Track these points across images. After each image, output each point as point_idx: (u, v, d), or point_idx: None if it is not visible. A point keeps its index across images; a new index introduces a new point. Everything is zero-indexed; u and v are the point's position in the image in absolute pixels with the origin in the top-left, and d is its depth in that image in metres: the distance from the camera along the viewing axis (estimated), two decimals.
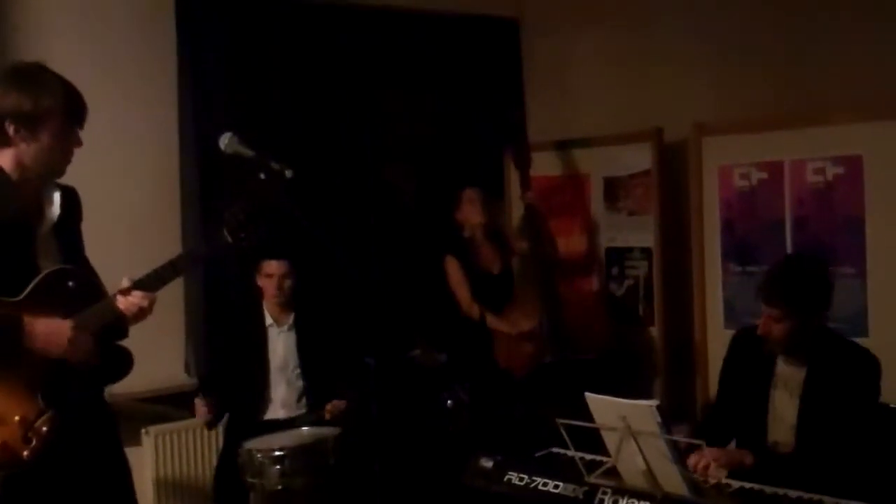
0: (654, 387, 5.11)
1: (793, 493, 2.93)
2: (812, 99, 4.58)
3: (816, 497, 2.88)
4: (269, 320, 4.59)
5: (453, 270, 5.04)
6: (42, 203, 2.81)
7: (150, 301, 2.82)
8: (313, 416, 4.43)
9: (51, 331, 2.68)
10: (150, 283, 2.83)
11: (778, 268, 3.45)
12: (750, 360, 3.46)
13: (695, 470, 2.99)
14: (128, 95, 4.57)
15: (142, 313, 2.82)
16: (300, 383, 4.57)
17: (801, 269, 3.40)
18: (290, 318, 4.61)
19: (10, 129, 2.68)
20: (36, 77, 2.72)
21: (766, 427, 3.38)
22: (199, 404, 4.39)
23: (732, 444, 3.52)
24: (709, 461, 3.01)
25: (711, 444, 3.10)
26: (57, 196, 2.83)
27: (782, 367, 3.40)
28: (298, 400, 4.57)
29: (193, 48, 4.72)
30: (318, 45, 5.14)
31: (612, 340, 5.03)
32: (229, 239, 2.92)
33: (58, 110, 2.71)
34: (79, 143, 2.80)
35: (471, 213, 5.07)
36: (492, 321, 4.91)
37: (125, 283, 2.81)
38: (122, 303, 2.79)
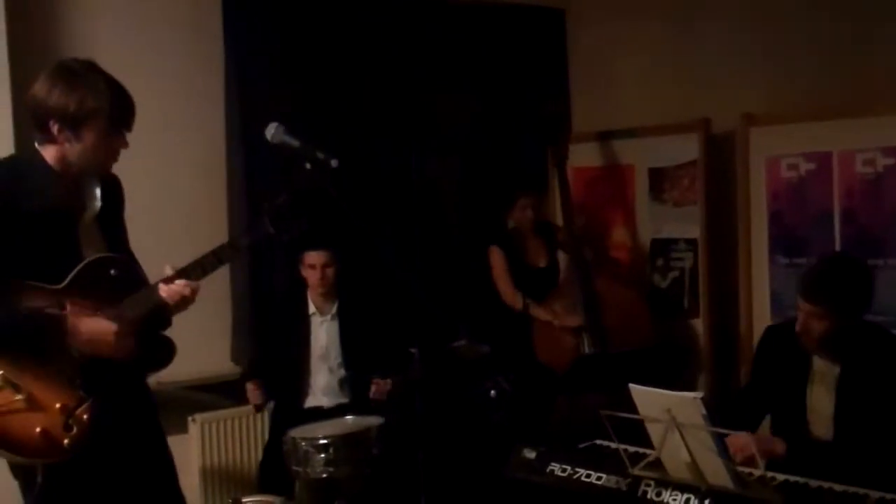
0: (698, 379, 5.08)
1: (838, 487, 2.90)
2: (862, 89, 4.50)
3: (862, 491, 2.85)
4: (312, 309, 4.63)
5: (497, 261, 5.06)
6: (85, 194, 2.83)
7: (193, 290, 2.78)
8: (357, 403, 4.47)
9: (95, 332, 2.70)
10: (193, 271, 2.81)
11: (821, 267, 3.40)
12: (785, 356, 3.42)
13: (735, 453, 2.96)
14: (174, 86, 4.63)
15: (184, 302, 2.79)
16: (342, 372, 4.61)
17: (846, 269, 3.32)
18: (334, 308, 4.65)
19: (55, 129, 2.68)
20: (83, 77, 2.68)
21: (806, 423, 3.35)
22: (251, 388, 4.46)
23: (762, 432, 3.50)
24: (752, 452, 2.98)
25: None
26: (98, 187, 2.84)
27: (818, 363, 3.36)
28: (341, 388, 4.61)
29: (240, 39, 4.76)
30: (364, 36, 5.15)
31: (656, 332, 4.98)
32: (271, 229, 2.93)
33: (102, 113, 2.67)
34: (124, 144, 2.78)
35: (522, 219, 5.14)
36: (535, 310, 4.91)
37: (168, 272, 2.80)
38: (165, 291, 2.76)
